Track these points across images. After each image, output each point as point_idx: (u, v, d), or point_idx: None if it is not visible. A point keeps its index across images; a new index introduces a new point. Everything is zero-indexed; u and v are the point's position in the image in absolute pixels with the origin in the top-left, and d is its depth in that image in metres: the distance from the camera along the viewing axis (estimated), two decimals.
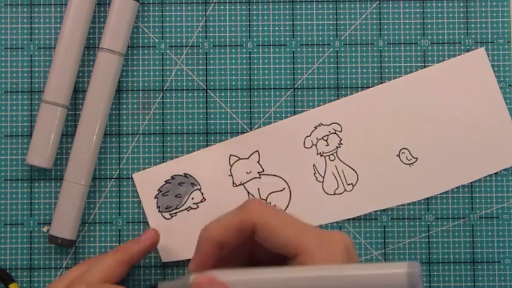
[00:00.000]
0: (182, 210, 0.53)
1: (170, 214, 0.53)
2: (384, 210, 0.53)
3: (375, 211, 0.53)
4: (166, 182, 0.53)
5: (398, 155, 0.53)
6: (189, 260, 0.52)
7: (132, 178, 0.53)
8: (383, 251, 0.53)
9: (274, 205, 0.52)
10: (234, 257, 0.42)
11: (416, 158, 0.53)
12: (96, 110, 0.51)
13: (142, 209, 0.53)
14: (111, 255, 0.48)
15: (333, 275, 0.37)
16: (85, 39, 0.52)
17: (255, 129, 0.53)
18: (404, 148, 0.53)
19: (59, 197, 0.51)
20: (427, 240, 0.53)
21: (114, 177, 0.53)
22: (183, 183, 0.53)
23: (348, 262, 0.39)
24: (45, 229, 0.53)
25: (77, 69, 0.52)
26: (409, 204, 0.53)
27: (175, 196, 0.53)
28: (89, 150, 0.51)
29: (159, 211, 0.53)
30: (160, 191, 0.53)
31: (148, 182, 0.53)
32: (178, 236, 0.52)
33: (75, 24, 0.51)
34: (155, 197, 0.52)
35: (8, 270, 0.52)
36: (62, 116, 0.51)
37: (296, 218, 0.41)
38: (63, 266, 0.53)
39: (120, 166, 0.53)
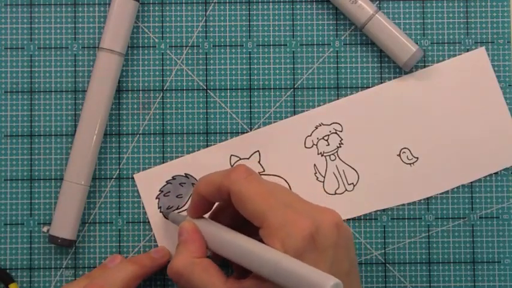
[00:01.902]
0: (183, 210, 0.52)
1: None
2: (383, 210, 0.53)
3: (375, 211, 0.53)
4: (168, 182, 0.53)
5: (399, 154, 0.53)
6: None
7: (132, 178, 0.53)
8: (383, 251, 0.53)
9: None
10: (232, 213, 0.46)
11: (417, 158, 0.53)
12: (96, 110, 0.51)
13: (143, 209, 0.53)
14: (129, 267, 0.49)
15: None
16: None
17: (255, 129, 0.53)
18: (405, 148, 0.53)
19: (59, 197, 0.51)
20: (427, 240, 0.53)
21: (114, 177, 0.53)
22: (184, 183, 0.53)
23: (305, 250, 0.40)
24: (45, 229, 0.53)
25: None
26: (409, 204, 0.53)
27: (177, 196, 0.53)
28: (89, 151, 0.51)
29: (160, 211, 0.53)
30: (162, 192, 0.53)
31: (149, 182, 0.53)
32: None
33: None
34: (156, 197, 0.52)
35: (8, 270, 0.52)
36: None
37: (275, 193, 0.43)
38: (63, 266, 0.53)
39: (120, 166, 0.53)
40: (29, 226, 0.53)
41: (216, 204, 0.49)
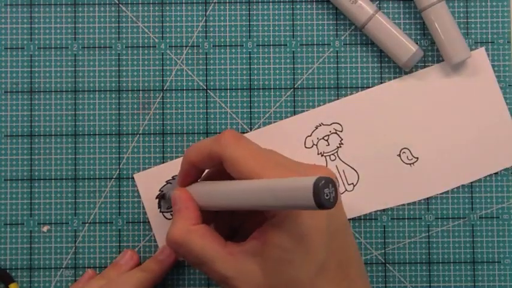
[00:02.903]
0: None
1: (171, 214, 0.53)
2: (383, 210, 0.53)
3: (375, 211, 0.53)
4: (168, 182, 0.53)
5: (399, 154, 0.53)
6: None
7: (132, 178, 0.53)
8: (383, 251, 0.53)
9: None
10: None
11: (417, 158, 0.53)
12: None
13: (143, 208, 0.53)
14: (140, 274, 0.49)
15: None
16: None
17: (255, 129, 0.53)
18: (405, 148, 0.53)
19: None
20: (427, 240, 0.53)
21: (114, 177, 0.53)
22: None
23: None
24: (45, 229, 0.53)
25: None
26: (409, 204, 0.53)
27: None
28: None
29: (160, 211, 0.53)
30: (162, 191, 0.52)
31: (149, 182, 0.53)
32: None
33: None
34: (156, 197, 0.52)
35: (8, 270, 0.52)
36: None
37: (266, 153, 0.44)
38: (63, 266, 0.53)
39: (120, 166, 0.53)
40: (29, 226, 0.53)
41: (205, 173, 0.49)
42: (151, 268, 0.50)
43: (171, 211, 0.53)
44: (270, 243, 0.41)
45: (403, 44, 0.51)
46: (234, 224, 0.49)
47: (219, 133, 0.44)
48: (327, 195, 0.35)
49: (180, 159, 0.53)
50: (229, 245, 0.43)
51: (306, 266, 0.41)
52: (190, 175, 0.47)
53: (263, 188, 0.39)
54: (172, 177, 0.53)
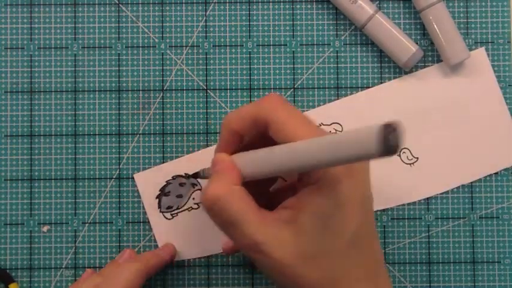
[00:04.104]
0: (183, 210, 0.53)
1: (171, 214, 0.53)
2: (383, 210, 0.53)
3: (374, 211, 0.53)
4: (168, 182, 0.53)
5: (399, 154, 0.53)
6: (190, 260, 0.52)
7: (132, 178, 0.53)
8: (383, 251, 0.53)
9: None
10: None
11: (417, 158, 0.53)
12: None
13: (143, 208, 0.53)
14: (132, 265, 0.49)
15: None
16: None
17: None
18: (405, 148, 0.53)
19: None
20: (427, 240, 0.53)
21: (114, 177, 0.53)
22: (184, 183, 0.53)
23: (344, 175, 0.40)
24: (45, 229, 0.53)
25: None
26: (409, 204, 0.53)
27: (176, 196, 0.53)
28: None
29: (160, 211, 0.53)
30: (162, 191, 0.53)
31: (149, 182, 0.53)
32: (180, 236, 0.52)
33: None
34: (156, 197, 0.52)
35: (8, 270, 0.52)
36: None
37: (309, 120, 0.42)
38: (63, 266, 0.53)
39: (120, 166, 0.53)
40: (29, 226, 0.53)
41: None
42: (146, 259, 0.50)
43: (171, 211, 0.53)
44: (308, 209, 0.41)
45: (403, 44, 0.51)
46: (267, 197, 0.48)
47: (262, 97, 0.43)
48: (393, 140, 0.34)
49: (179, 159, 0.53)
50: (263, 211, 0.42)
51: (337, 236, 0.40)
52: (232, 144, 0.45)
53: (323, 143, 0.38)
54: (173, 177, 0.53)
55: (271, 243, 0.41)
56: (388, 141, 0.34)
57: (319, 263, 0.40)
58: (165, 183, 0.53)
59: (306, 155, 0.39)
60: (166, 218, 0.53)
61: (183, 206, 0.53)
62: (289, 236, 0.41)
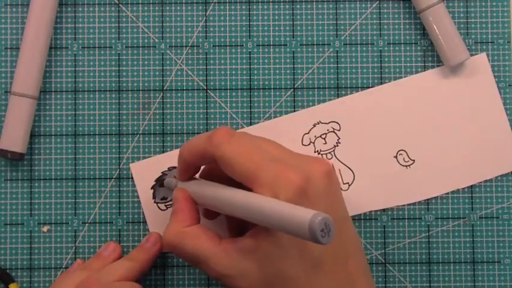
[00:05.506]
0: None
1: (165, 205, 0.53)
2: (383, 210, 0.53)
3: (374, 211, 0.53)
4: (163, 173, 0.53)
5: (396, 156, 0.53)
6: None
7: (132, 178, 0.53)
8: (383, 251, 0.53)
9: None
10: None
11: (414, 160, 0.53)
12: (41, 23, 0.51)
13: (143, 208, 0.53)
14: (125, 263, 0.49)
15: (253, 202, 0.40)
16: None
17: None
18: (402, 150, 0.53)
19: (7, 112, 0.51)
20: (427, 240, 0.53)
21: (114, 177, 0.53)
22: None
23: (297, 202, 0.39)
24: (45, 229, 0.53)
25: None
26: (409, 204, 0.53)
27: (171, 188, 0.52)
28: (35, 62, 0.51)
29: (154, 202, 0.53)
30: (157, 182, 0.52)
31: (145, 172, 0.53)
32: None
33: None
34: (151, 188, 0.52)
35: (8, 270, 0.52)
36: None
37: (261, 149, 0.43)
38: (63, 266, 0.53)
39: (120, 166, 0.53)
40: (29, 226, 0.53)
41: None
42: (137, 257, 0.49)
43: (166, 202, 0.53)
44: (266, 240, 0.41)
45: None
46: None
47: (213, 131, 0.44)
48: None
49: (177, 150, 0.53)
50: (224, 243, 0.43)
51: (301, 262, 0.41)
52: (188, 171, 0.47)
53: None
54: (169, 168, 0.53)
55: (235, 275, 0.42)
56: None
57: None
58: (161, 174, 0.53)
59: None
60: (161, 209, 0.53)
61: None
62: (252, 266, 0.42)
